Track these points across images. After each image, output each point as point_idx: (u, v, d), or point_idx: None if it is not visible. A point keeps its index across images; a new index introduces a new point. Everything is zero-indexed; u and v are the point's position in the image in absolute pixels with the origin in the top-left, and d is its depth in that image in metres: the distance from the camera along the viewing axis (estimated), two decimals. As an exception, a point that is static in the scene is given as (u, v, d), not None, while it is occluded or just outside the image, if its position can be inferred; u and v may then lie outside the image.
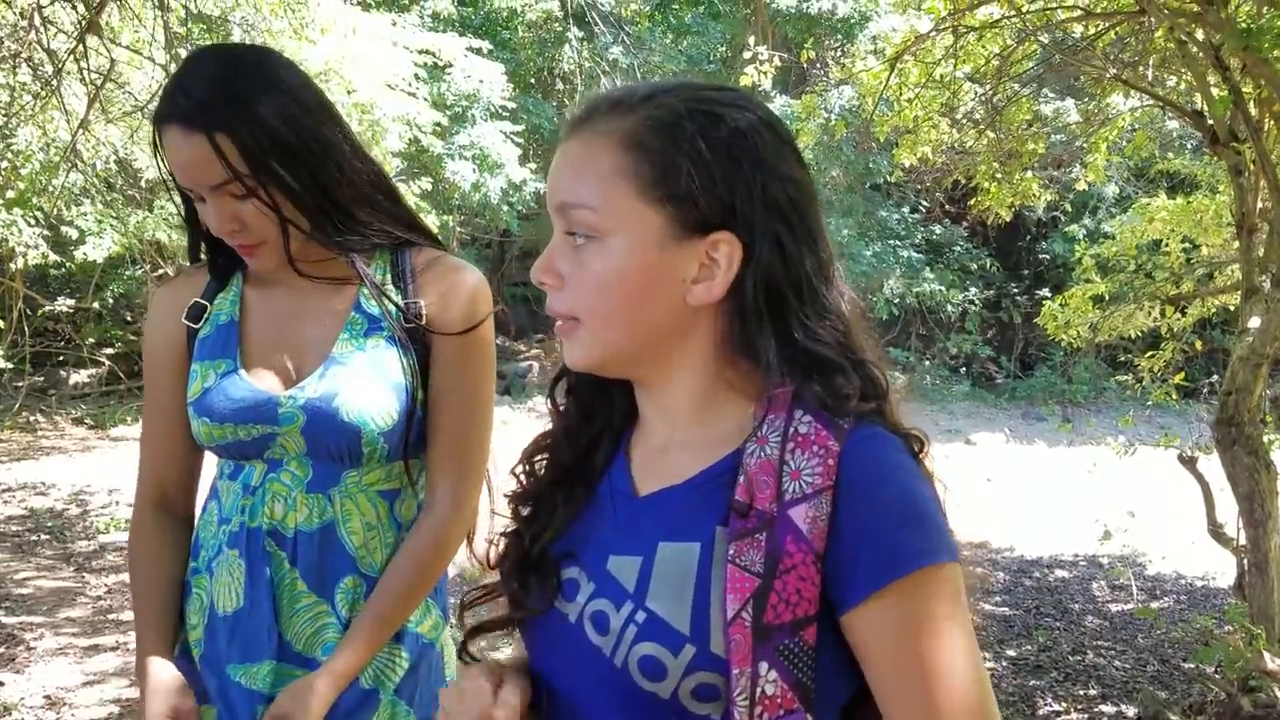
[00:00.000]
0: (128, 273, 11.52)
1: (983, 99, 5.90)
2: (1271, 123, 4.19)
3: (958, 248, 16.87)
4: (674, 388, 1.05)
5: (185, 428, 1.63)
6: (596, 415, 1.13)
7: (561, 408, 1.15)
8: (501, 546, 1.14)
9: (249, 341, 1.61)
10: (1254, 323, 4.06)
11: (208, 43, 6.08)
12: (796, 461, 0.96)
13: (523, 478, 1.16)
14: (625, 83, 14.44)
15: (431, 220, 9.48)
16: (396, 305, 1.58)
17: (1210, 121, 4.36)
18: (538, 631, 1.08)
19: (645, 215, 0.99)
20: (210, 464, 1.69)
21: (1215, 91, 4.22)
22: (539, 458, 1.15)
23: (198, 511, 1.70)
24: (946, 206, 15.97)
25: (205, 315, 1.64)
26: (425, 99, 10.61)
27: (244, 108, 1.46)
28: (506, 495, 1.16)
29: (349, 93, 8.16)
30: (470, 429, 1.61)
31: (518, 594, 1.09)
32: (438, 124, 10.85)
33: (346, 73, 8.09)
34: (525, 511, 1.13)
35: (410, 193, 9.32)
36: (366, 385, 1.54)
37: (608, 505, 1.09)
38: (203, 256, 1.68)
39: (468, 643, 1.16)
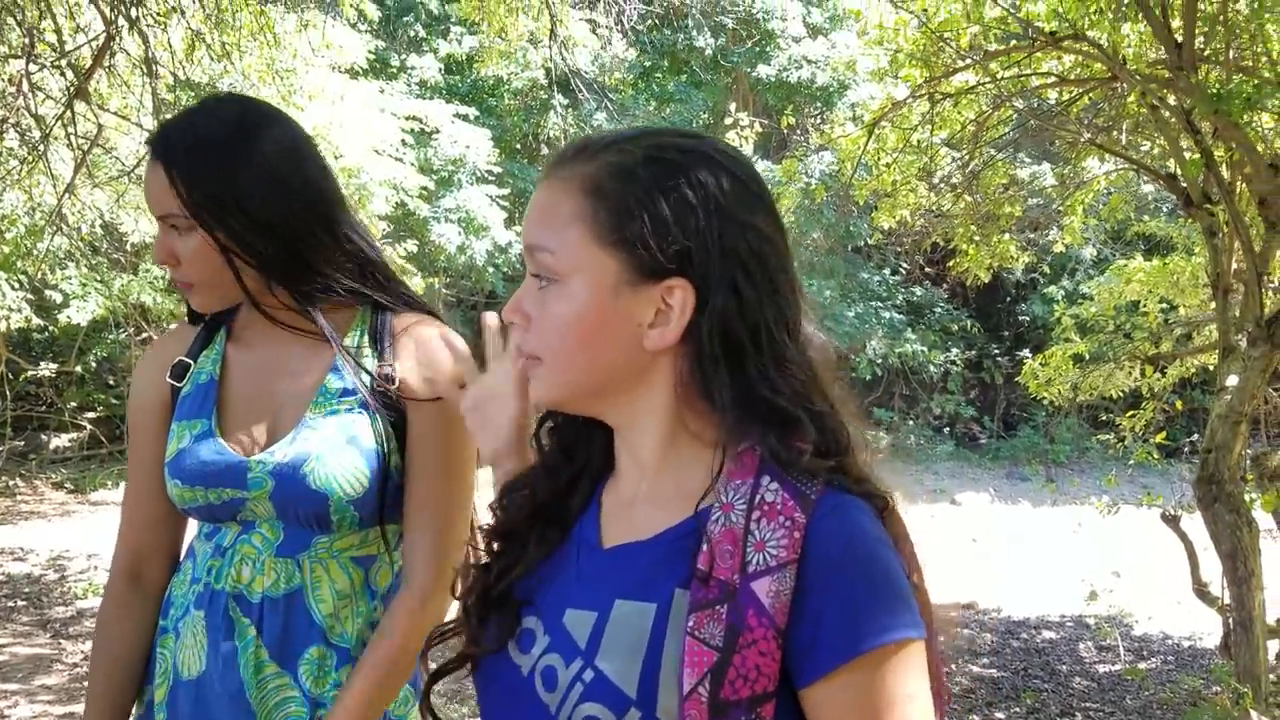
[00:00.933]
0: (111, 336, 11.50)
1: (959, 163, 6.00)
2: (1243, 184, 4.27)
3: (938, 309, 17.02)
4: (639, 432, 1.05)
5: (165, 491, 1.58)
6: (577, 454, 1.13)
7: (545, 447, 1.15)
8: (469, 579, 1.12)
9: (227, 401, 1.58)
10: (1232, 381, 4.10)
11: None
12: (762, 532, 0.94)
13: (499, 513, 1.14)
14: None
15: (417, 282, 9.53)
16: (368, 371, 1.55)
17: (1184, 184, 4.44)
18: (491, 681, 1.06)
19: (601, 260, 1.00)
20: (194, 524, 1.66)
21: (1188, 155, 4.31)
22: (518, 494, 1.14)
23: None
24: (926, 269, 16.16)
25: (188, 373, 1.61)
26: (412, 164, 10.73)
27: (207, 150, 1.47)
28: (481, 529, 1.16)
29: (336, 157, 8.24)
30: (449, 503, 1.56)
31: (476, 630, 1.08)
32: (424, 188, 10.95)
33: (334, 138, 8.18)
34: (496, 546, 1.12)
35: (396, 255, 9.37)
36: (335, 451, 1.50)
37: (573, 553, 1.08)
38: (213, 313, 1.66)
39: (429, 691, 1.13)
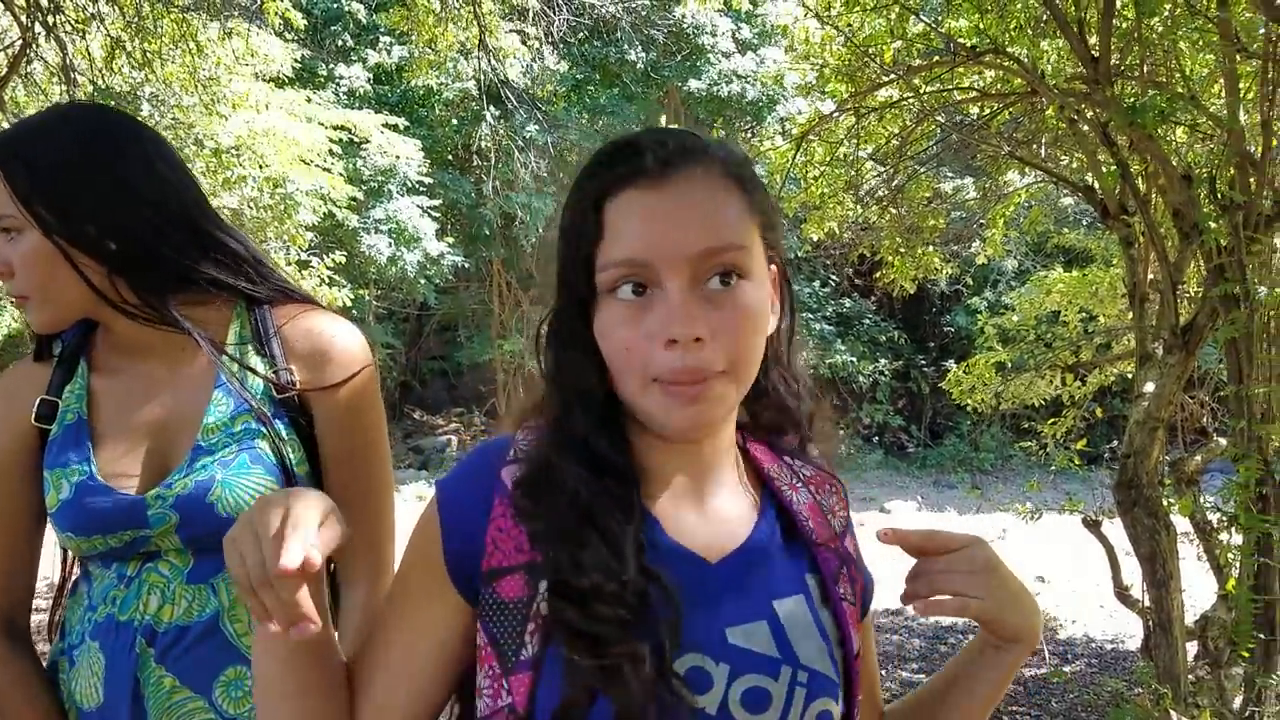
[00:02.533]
0: (27, 351, 11.16)
1: (884, 177, 6.09)
2: (1158, 196, 4.38)
3: (867, 320, 17.29)
4: (721, 434, 1.04)
5: (33, 541, 1.49)
6: (632, 481, 1.00)
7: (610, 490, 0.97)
8: (620, 677, 0.91)
9: (102, 439, 1.45)
10: (1149, 388, 4.20)
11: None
12: (826, 501, 1.09)
13: (607, 579, 0.93)
14: (544, 160, 14.50)
15: (345, 294, 9.40)
16: (260, 375, 1.46)
17: (1101, 196, 4.55)
18: None
19: (763, 251, 1.01)
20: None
21: (1105, 167, 4.41)
22: (589, 550, 0.94)
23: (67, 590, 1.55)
24: (855, 281, 16.39)
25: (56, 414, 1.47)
26: (340, 174, 10.60)
27: (42, 145, 1.39)
28: (581, 612, 0.93)
29: (261, 167, 8.12)
30: (372, 498, 1.49)
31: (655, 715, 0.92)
32: (353, 198, 10.83)
33: (259, 148, 8.06)
34: (619, 615, 0.92)
35: (324, 266, 9.24)
36: (240, 473, 1.41)
37: (680, 577, 0.96)
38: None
39: None
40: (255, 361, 1.47)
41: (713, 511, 1.03)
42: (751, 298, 0.97)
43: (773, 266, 1.04)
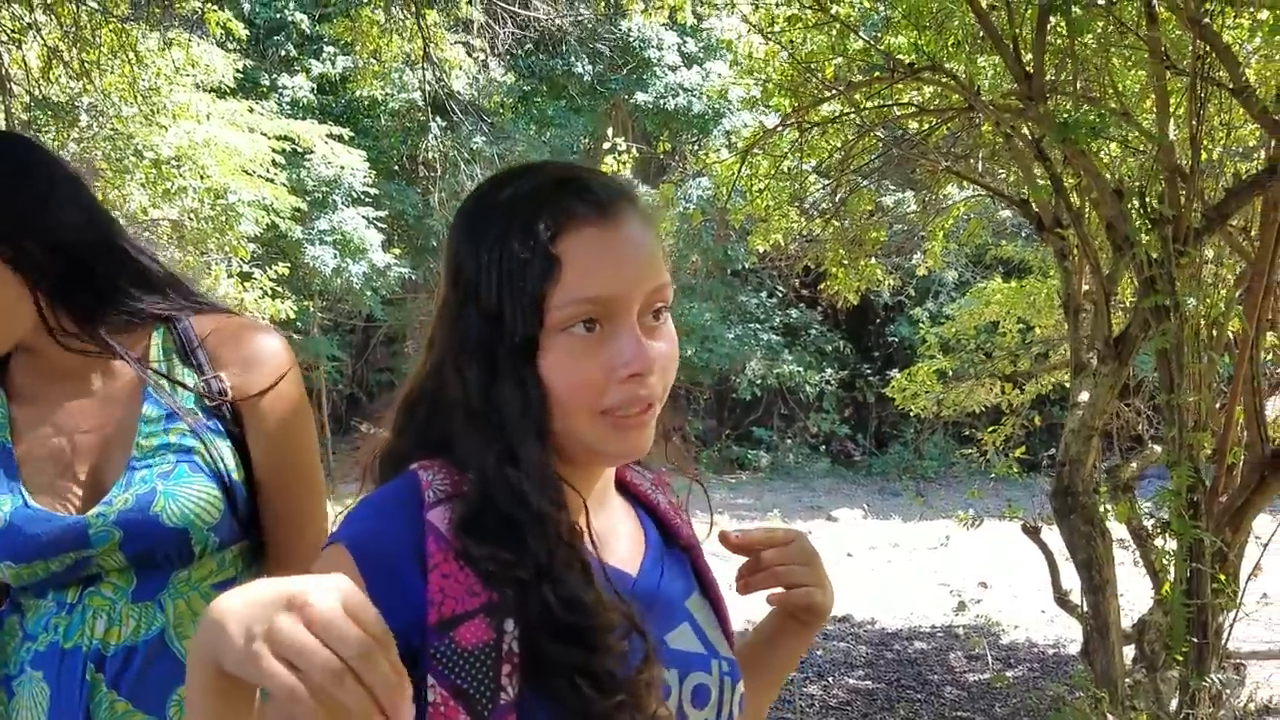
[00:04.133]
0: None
1: (828, 190, 6.17)
2: (1091, 209, 4.48)
3: (813, 331, 17.45)
4: None
5: None
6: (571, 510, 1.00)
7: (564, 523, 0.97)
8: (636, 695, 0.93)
9: (30, 465, 1.44)
10: (1083, 397, 4.29)
11: (53, 130, 5.92)
12: (667, 498, 1.15)
13: (607, 612, 0.94)
14: (491, 171, 14.53)
15: (289, 306, 9.31)
16: (189, 388, 1.45)
17: (1036, 209, 4.65)
18: None
19: None
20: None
21: (1040, 181, 4.50)
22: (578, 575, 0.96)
23: None
24: (801, 292, 16.54)
25: None
26: (284, 184, 10.49)
27: None
28: (591, 650, 0.93)
29: (202, 178, 8.02)
30: (308, 500, 1.52)
31: None
32: (297, 209, 10.72)
33: (200, 158, 7.96)
34: (624, 647, 0.94)
35: (266, 278, 9.13)
36: (181, 482, 1.41)
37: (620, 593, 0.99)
38: None
39: None
40: (183, 373, 1.47)
41: (616, 526, 1.07)
42: (669, 332, 1.01)
43: None
